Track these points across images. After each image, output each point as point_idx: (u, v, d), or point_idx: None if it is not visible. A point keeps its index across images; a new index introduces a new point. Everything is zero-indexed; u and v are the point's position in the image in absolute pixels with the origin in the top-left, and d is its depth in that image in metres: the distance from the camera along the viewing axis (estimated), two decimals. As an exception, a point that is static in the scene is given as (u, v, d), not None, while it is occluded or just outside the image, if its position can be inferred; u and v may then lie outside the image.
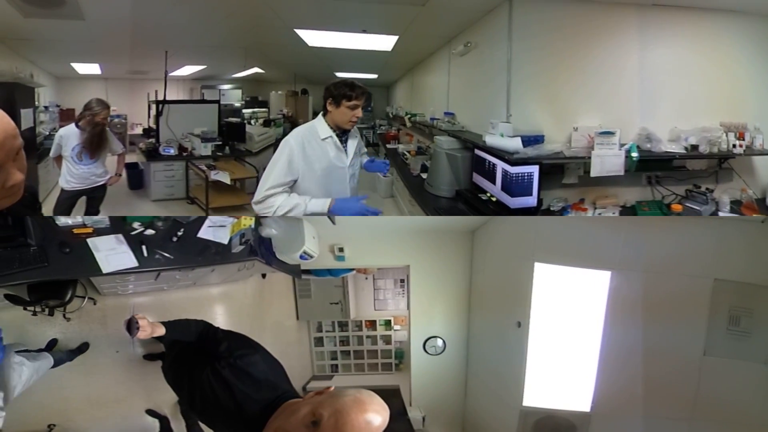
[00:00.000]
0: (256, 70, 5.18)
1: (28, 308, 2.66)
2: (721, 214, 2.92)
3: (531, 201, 2.87)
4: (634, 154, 2.76)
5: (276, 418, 1.27)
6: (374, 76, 6.10)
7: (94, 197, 3.52)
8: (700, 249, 2.74)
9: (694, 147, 2.88)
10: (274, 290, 3.93)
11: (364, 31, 3.74)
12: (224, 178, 4.30)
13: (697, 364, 2.67)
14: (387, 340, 4.22)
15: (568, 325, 2.96)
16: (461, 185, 3.53)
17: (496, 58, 3.13)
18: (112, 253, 2.35)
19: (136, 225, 2.49)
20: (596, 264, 2.81)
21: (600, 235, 2.86)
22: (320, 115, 2.37)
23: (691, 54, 2.98)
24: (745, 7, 2.92)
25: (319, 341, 4.21)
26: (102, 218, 2.46)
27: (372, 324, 4.21)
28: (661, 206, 3.07)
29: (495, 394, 3.40)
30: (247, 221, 2.66)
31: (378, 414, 1.06)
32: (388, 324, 4.21)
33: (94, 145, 3.29)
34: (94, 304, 3.09)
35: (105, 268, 2.28)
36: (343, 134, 2.37)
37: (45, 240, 2.25)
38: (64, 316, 3.01)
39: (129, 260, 2.34)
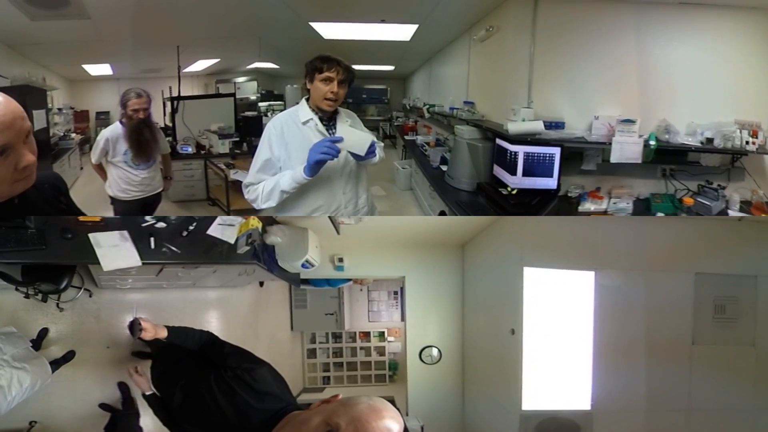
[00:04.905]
0: (270, 64, 4.99)
1: (20, 289, 2.53)
2: (730, 212, 2.92)
3: (551, 183, 2.92)
4: (652, 143, 2.84)
5: (281, 429, 1.25)
6: (391, 67, 5.91)
7: (151, 205, 3.10)
8: (680, 246, 2.85)
9: (709, 141, 2.91)
10: (270, 300, 3.88)
11: (383, 21, 3.57)
12: (244, 177, 4.17)
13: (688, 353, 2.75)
14: (381, 351, 4.19)
15: (560, 326, 2.98)
16: (482, 178, 3.41)
17: (518, 43, 3.09)
18: (114, 250, 2.27)
19: (148, 218, 2.45)
20: (581, 265, 2.85)
21: (584, 236, 2.90)
22: (303, 98, 2.12)
23: (708, 51, 3.05)
24: (763, 4, 2.97)
25: (311, 353, 4.15)
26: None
27: (366, 335, 4.18)
28: (673, 199, 3.10)
29: (493, 400, 3.39)
30: (255, 222, 2.61)
31: (395, 420, 1.02)
32: (381, 335, 4.19)
33: (143, 144, 2.88)
34: (90, 296, 2.99)
35: (105, 265, 2.22)
36: (330, 118, 2.09)
37: (46, 225, 2.18)
38: (57, 305, 2.89)
39: (131, 258, 2.27)
